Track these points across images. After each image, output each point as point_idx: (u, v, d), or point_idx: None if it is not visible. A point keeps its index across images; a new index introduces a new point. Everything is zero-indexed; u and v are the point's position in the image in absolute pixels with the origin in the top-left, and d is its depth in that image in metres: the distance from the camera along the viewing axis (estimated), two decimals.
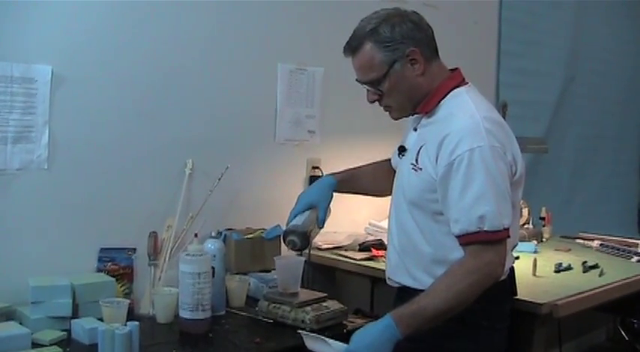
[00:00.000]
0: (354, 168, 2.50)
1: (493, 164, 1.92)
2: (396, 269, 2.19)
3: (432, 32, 2.14)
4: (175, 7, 2.73)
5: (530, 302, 2.49)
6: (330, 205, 2.34)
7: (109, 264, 2.53)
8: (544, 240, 3.85)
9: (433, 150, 2.00)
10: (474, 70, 4.03)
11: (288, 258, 2.60)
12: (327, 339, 1.99)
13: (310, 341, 2.04)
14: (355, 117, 3.38)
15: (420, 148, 2.07)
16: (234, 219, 2.93)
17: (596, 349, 4.93)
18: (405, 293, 2.10)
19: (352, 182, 2.43)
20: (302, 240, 2.19)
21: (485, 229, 1.90)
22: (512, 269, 2.23)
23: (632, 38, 5.60)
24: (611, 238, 3.77)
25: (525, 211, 3.87)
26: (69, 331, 2.21)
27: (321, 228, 2.32)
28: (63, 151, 2.46)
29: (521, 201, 3.86)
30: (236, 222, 2.92)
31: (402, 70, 2.05)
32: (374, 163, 2.52)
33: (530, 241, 3.62)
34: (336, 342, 1.98)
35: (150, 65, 2.68)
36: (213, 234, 2.57)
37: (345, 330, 2.36)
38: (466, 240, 1.93)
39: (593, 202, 5.18)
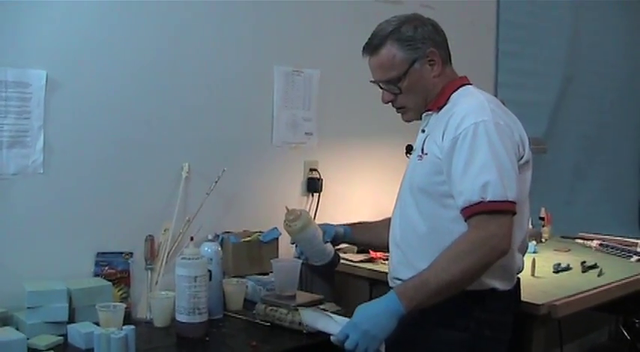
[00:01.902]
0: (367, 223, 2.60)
1: (497, 138, 1.94)
2: (399, 267, 2.16)
3: (446, 39, 2.20)
4: (171, 10, 2.73)
5: (529, 302, 2.48)
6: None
7: (106, 268, 2.53)
8: (543, 240, 3.85)
9: (439, 132, 2.02)
10: (472, 70, 4.02)
11: (285, 261, 2.59)
12: (330, 314, 1.99)
13: (310, 318, 2.03)
14: (352, 119, 3.38)
15: (426, 139, 2.11)
16: (231, 222, 2.92)
17: (598, 349, 4.91)
18: None
19: (365, 230, 2.54)
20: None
21: (488, 199, 1.89)
22: (518, 279, 2.20)
23: (631, 38, 5.59)
24: (610, 238, 3.76)
25: None
26: (65, 336, 2.20)
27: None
28: (58, 156, 2.45)
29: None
30: (233, 225, 2.92)
31: (421, 69, 2.12)
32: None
33: (529, 241, 3.61)
34: (339, 317, 1.98)
35: (146, 69, 2.67)
36: (210, 237, 2.57)
37: None
38: (469, 212, 1.92)
39: (593, 202, 5.16)
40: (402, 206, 2.18)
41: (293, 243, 2.49)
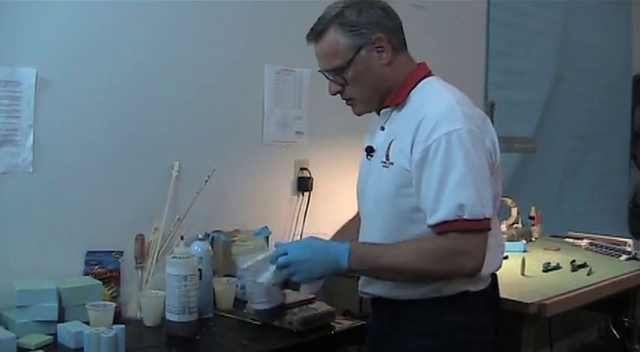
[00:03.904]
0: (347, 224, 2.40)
1: (472, 148, 1.80)
2: (364, 281, 2.09)
3: (401, 23, 2.01)
4: (161, 9, 2.72)
5: (518, 301, 2.50)
6: None
7: (96, 267, 2.51)
8: (533, 239, 3.86)
9: (408, 138, 1.86)
10: (462, 69, 4.08)
11: None
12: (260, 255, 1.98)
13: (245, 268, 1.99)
14: (343, 118, 3.34)
15: (391, 143, 1.94)
16: (221, 221, 2.91)
17: (588, 348, 4.94)
18: (380, 304, 2.06)
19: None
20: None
21: (464, 217, 1.77)
22: (494, 276, 2.06)
23: (621, 37, 5.62)
24: (600, 237, 3.78)
25: (514, 210, 3.87)
26: (55, 335, 2.19)
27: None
28: (48, 154, 2.44)
29: (510, 200, 3.89)
30: (223, 224, 2.91)
31: (368, 57, 1.94)
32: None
33: (519, 241, 3.63)
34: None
35: (136, 67, 2.67)
36: (200, 236, 2.56)
37: (332, 332, 2.36)
38: (442, 228, 1.80)
39: (583, 201, 5.19)
40: (367, 217, 2.08)
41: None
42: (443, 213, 1.79)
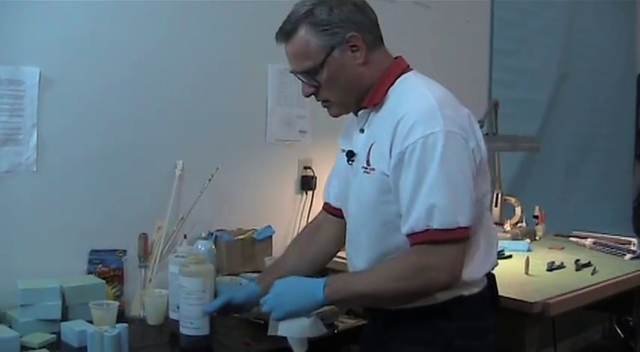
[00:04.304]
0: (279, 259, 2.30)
1: (449, 152, 1.69)
2: None
3: (376, 18, 1.89)
4: (164, 9, 2.72)
5: (522, 300, 2.48)
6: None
7: (100, 266, 2.52)
8: (537, 238, 3.85)
9: (387, 141, 1.76)
10: (466, 68, 4.08)
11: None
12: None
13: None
14: (346, 117, 3.36)
15: (371, 147, 1.84)
16: (224, 219, 2.92)
17: (592, 347, 4.93)
18: (373, 311, 2.02)
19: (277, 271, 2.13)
20: None
21: (434, 227, 1.68)
22: (492, 277, 1.97)
23: (625, 35, 5.61)
24: (604, 236, 3.76)
25: (518, 209, 3.86)
26: (58, 334, 2.19)
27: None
28: (52, 153, 2.45)
29: (514, 200, 3.89)
30: (227, 222, 2.91)
31: (342, 57, 1.81)
32: (297, 237, 2.32)
33: (523, 239, 3.62)
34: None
35: (139, 66, 2.67)
36: (203, 235, 2.56)
37: (335, 331, 2.35)
38: (414, 239, 1.72)
39: (587, 200, 5.18)
40: (351, 225, 1.98)
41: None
42: (412, 222, 1.72)
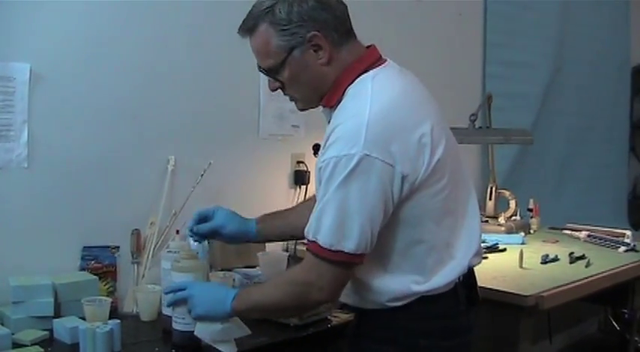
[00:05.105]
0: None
1: (355, 177, 1.62)
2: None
3: (344, 10, 1.79)
4: (156, 5, 2.71)
5: (516, 294, 2.49)
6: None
7: (92, 262, 2.51)
8: (532, 231, 3.85)
9: (323, 145, 1.76)
10: (459, 61, 4.07)
11: (272, 254, 2.59)
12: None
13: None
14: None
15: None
16: None
17: (588, 340, 4.94)
18: (350, 310, 2.02)
19: (275, 220, 2.21)
20: None
21: (319, 242, 1.67)
22: (471, 274, 1.90)
23: (619, 28, 5.60)
24: (598, 229, 3.77)
25: (513, 202, 3.87)
26: (51, 330, 2.19)
27: None
28: (43, 150, 2.43)
29: (509, 193, 3.89)
30: None
31: (303, 57, 1.74)
32: (309, 198, 2.24)
33: (517, 233, 3.62)
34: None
35: (130, 61, 2.65)
36: None
37: (329, 325, 2.35)
38: (307, 244, 1.73)
39: (582, 193, 5.18)
40: None
41: None
42: (307, 227, 1.72)
